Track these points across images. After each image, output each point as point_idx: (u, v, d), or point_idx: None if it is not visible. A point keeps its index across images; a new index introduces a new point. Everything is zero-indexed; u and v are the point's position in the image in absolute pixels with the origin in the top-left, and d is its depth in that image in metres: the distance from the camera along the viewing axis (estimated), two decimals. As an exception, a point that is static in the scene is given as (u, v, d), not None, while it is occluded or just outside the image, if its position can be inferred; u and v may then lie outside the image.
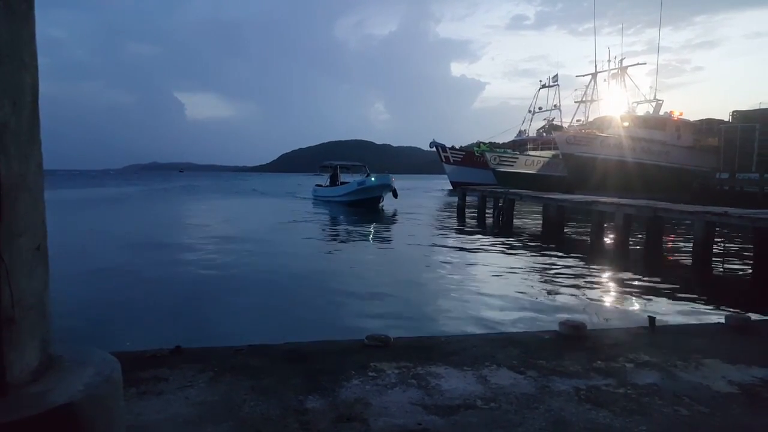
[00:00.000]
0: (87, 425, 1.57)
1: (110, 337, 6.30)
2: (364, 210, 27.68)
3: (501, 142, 59.31)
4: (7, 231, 1.59)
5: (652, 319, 4.73)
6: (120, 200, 39.57)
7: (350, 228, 21.17)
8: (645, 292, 9.22)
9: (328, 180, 36.62)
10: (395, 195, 29.93)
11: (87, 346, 1.93)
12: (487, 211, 23.27)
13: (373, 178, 29.57)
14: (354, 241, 17.34)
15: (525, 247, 14.95)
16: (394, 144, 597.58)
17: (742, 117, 42.03)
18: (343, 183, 33.59)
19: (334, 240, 17.31)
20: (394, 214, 26.82)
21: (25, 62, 1.69)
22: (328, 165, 36.68)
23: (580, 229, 18.83)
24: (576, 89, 56.83)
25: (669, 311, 7.88)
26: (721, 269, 11.74)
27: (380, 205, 29.88)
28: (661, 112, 48.27)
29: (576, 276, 10.66)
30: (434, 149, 52.50)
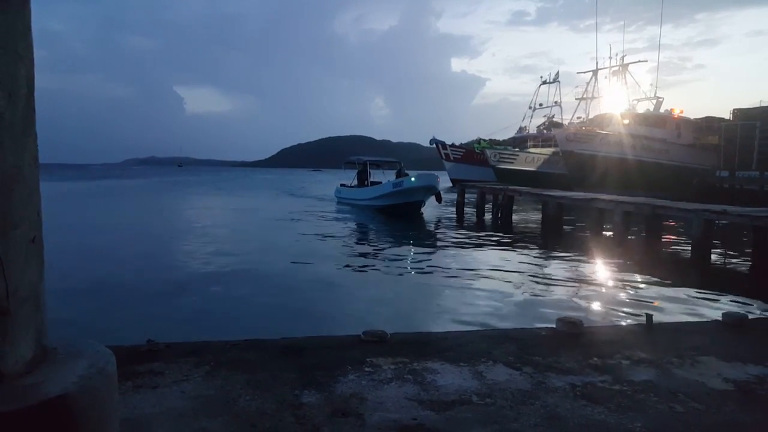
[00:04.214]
0: (80, 417, 1.57)
1: (104, 330, 6.29)
2: (400, 216, 22.33)
3: (501, 138, 59.09)
4: (2, 223, 1.58)
5: (649, 317, 4.73)
6: (121, 193, 39.56)
7: (354, 227, 21.17)
8: (643, 289, 9.23)
9: (355, 179, 30.72)
10: (439, 199, 24.67)
11: (82, 338, 1.93)
12: (486, 207, 23.24)
13: (413, 179, 23.68)
14: (354, 239, 17.36)
15: (523, 244, 14.96)
16: (394, 140, 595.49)
17: (742, 115, 41.96)
18: (373, 183, 28.38)
19: (336, 240, 17.30)
20: (438, 223, 22.09)
21: (20, 54, 1.68)
22: (356, 161, 30.43)
23: (579, 227, 18.84)
24: (577, 86, 56.60)
25: (666, 309, 7.89)
26: (720, 267, 11.75)
27: (421, 211, 24.10)
28: (662, 110, 48.23)
29: (574, 273, 10.67)
30: (434, 146, 52.33)
